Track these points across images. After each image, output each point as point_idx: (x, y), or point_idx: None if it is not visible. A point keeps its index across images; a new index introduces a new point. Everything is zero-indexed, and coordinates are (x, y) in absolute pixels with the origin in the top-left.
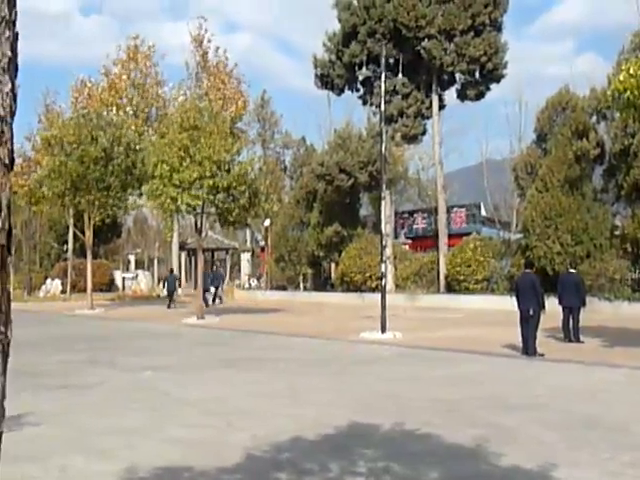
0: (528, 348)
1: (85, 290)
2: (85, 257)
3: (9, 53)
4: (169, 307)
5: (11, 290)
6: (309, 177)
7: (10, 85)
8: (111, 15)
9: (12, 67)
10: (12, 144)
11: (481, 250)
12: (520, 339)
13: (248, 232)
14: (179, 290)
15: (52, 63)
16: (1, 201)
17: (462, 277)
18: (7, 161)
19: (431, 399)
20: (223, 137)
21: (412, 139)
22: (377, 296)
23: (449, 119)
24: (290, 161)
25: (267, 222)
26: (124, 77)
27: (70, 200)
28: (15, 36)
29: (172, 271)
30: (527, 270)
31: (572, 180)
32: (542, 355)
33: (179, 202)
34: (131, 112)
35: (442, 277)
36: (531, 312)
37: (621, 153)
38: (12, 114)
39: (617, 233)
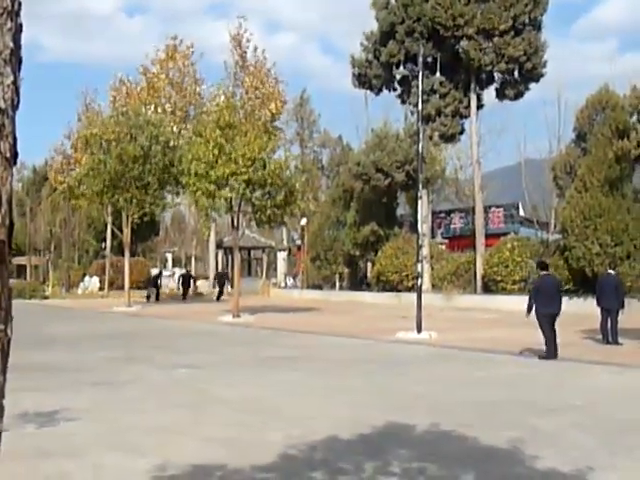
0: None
1: (123, 287)
2: (123, 254)
3: (11, 44)
4: (218, 299)
5: (50, 287)
6: (346, 176)
7: (12, 77)
8: (154, 15)
9: (14, 59)
10: (14, 138)
11: (519, 250)
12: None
13: (284, 231)
14: (228, 287)
15: (97, 62)
16: (1, 196)
17: (499, 277)
18: (8, 155)
19: (466, 400)
20: (258, 135)
21: (450, 138)
22: (413, 296)
23: (487, 118)
24: (327, 160)
25: (303, 221)
26: (162, 76)
27: (108, 198)
28: (18, 27)
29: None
30: (544, 272)
31: (612, 180)
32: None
33: (216, 197)
34: (169, 110)
35: (479, 277)
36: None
37: None
38: (14, 107)
39: None
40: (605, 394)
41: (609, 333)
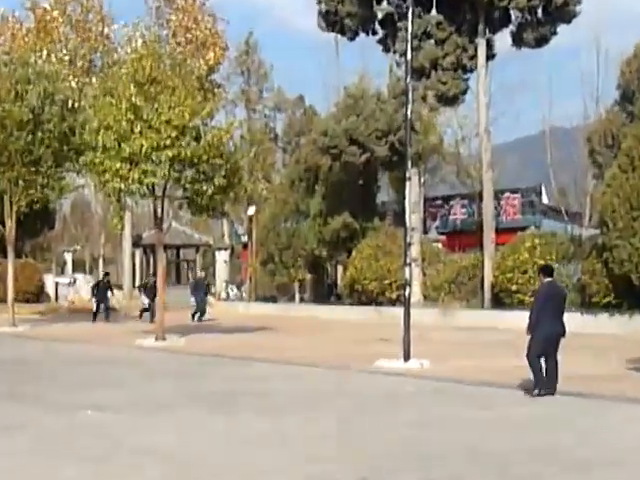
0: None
1: (5, 300)
2: (5, 255)
3: None
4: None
5: None
6: (309, 150)
7: None
8: None
9: None
10: None
11: (541, 250)
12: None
13: (226, 223)
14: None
15: None
16: None
17: (515, 287)
18: None
19: (471, 451)
20: (190, 94)
21: (450, 100)
22: (399, 311)
23: (500, 73)
24: (284, 128)
25: (251, 210)
26: (57, 12)
27: None
28: None
29: (148, 283)
30: (548, 279)
31: None
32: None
33: (129, 180)
34: (67, 59)
35: (487, 286)
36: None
37: None
38: None
39: None
40: None
41: None
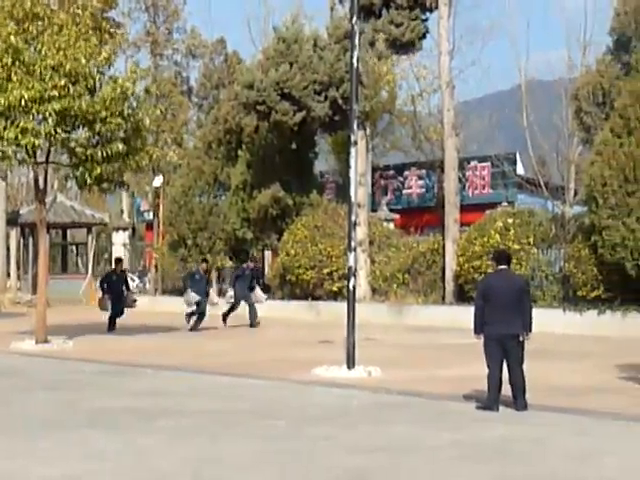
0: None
1: None
2: None
3: None
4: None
5: None
6: (230, 107)
7: None
8: None
9: None
10: None
11: (515, 232)
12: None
13: (126, 198)
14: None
15: None
16: None
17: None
18: None
19: None
20: (83, 34)
21: (404, 46)
22: (341, 307)
23: (467, 13)
24: (199, 79)
25: (158, 181)
26: None
27: None
28: None
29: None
30: (501, 266)
31: None
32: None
33: (3, 140)
34: None
35: (449, 277)
36: (520, 338)
37: None
38: None
39: None
40: None
41: None
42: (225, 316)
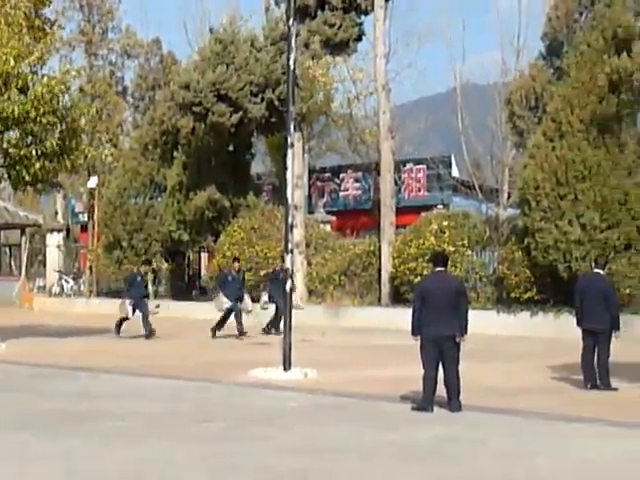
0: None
1: None
2: None
3: None
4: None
5: None
6: (167, 107)
7: None
8: None
9: None
10: None
11: (450, 234)
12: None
13: (60, 199)
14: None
15: None
16: None
17: (418, 279)
18: None
19: None
20: (15, 34)
21: (339, 47)
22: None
23: (403, 16)
24: (134, 79)
25: (93, 182)
26: None
27: None
28: None
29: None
30: (438, 268)
31: (604, 121)
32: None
33: None
34: None
35: (385, 278)
36: (456, 339)
37: None
38: None
39: None
40: (592, 471)
41: (596, 371)
42: (268, 328)
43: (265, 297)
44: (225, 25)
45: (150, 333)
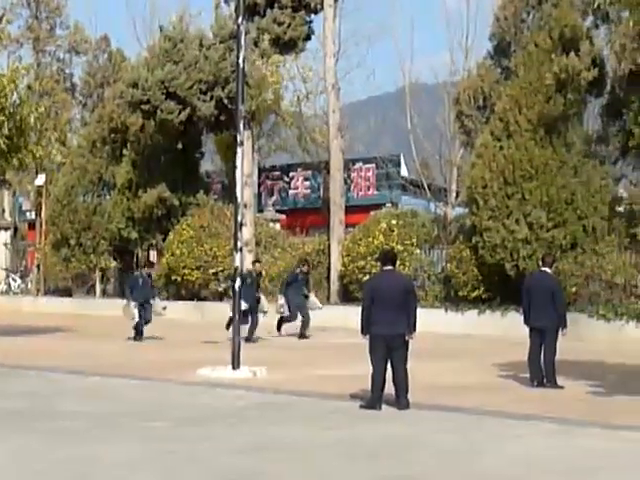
0: None
1: None
2: None
3: None
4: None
5: None
6: (115, 105)
7: None
8: None
9: None
10: None
11: (399, 233)
12: None
13: (7, 196)
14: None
15: None
16: None
17: (367, 277)
18: None
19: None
20: None
21: (289, 46)
22: (227, 307)
23: (352, 15)
24: (83, 77)
25: (40, 179)
26: None
27: None
28: None
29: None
30: (387, 267)
31: (551, 121)
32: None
33: None
34: None
35: (334, 277)
36: (405, 338)
37: (631, 78)
38: None
39: (621, 209)
40: (537, 467)
41: (542, 369)
42: (303, 333)
43: (281, 301)
44: (174, 23)
45: (138, 336)
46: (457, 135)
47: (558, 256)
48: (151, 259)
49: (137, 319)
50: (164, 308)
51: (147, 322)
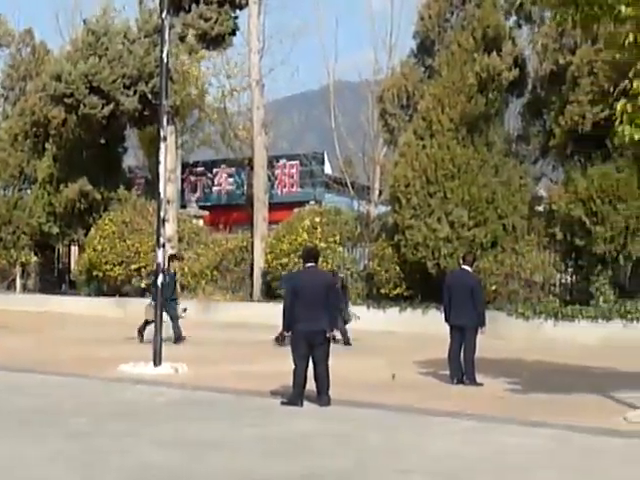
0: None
1: None
2: None
3: None
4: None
5: None
6: (37, 98)
7: None
8: None
9: None
10: None
11: (322, 231)
12: None
13: None
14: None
15: None
16: None
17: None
18: None
19: (241, 478)
20: None
21: (214, 41)
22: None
23: (277, 12)
24: (5, 70)
25: None
26: None
27: None
28: None
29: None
30: (310, 264)
31: (473, 120)
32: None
33: None
34: None
35: (258, 274)
36: (327, 334)
37: (552, 78)
38: None
39: (541, 209)
40: (458, 464)
41: (462, 367)
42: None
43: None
44: (98, 16)
45: (179, 338)
46: (380, 133)
47: (479, 255)
48: (178, 252)
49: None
50: (184, 310)
51: (173, 319)
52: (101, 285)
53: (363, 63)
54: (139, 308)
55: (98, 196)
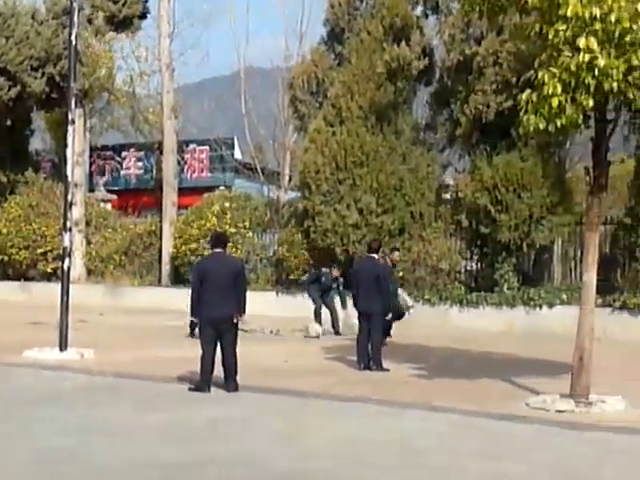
0: None
1: None
2: None
3: None
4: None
5: None
6: None
7: None
8: None
9: None
10: None
11: (232, 216)
12: None
13: None
14: None
15: None
16: None
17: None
18: None
19: (144, 463)
20: None
21: (123, 24)
22: (55, 288)
23: None
24: None
25: None
26: None
27: None
28: None
29: None
30: (217, 249)
31: (381, 108)
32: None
33: None
34: None
35: (166, 259)
36: (234, 320)
37: (459, 68)
38: None
39: (447, 196)
40: (362, 448)
41: (369, 353)
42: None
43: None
44: None
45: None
46: (291, 120)
47: (387, 242)
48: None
49: None
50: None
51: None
52: (6, 269)
53: (274, 49)
54: (45, 292)
55: (4, 179)
